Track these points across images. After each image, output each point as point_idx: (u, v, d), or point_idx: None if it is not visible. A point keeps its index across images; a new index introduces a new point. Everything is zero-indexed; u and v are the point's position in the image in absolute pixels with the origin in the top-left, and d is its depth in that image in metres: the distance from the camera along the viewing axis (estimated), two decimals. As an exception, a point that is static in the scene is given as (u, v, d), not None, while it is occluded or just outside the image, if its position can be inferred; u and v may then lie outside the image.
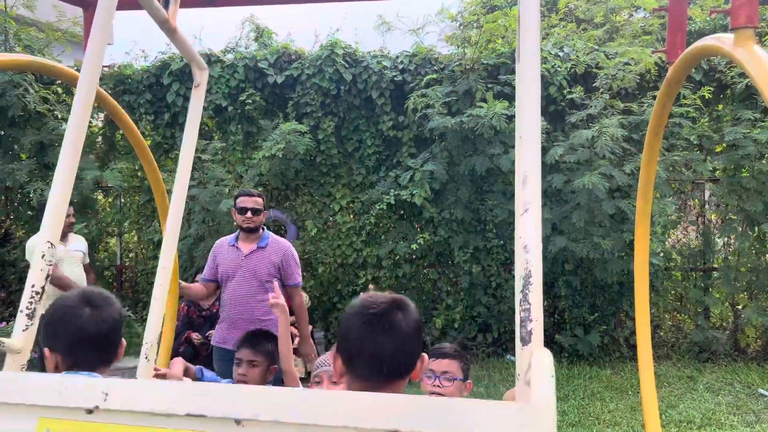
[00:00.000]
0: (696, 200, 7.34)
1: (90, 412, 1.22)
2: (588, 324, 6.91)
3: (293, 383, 2.89)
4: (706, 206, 7.34)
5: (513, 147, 1.68)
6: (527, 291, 1.51)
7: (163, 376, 2.76)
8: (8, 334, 1.91)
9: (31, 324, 1.86)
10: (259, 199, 4.19)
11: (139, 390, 1.22)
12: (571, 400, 5.64)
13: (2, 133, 7.24)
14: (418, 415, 1.13)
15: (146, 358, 2.65)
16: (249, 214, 4.04)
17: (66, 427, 1.22)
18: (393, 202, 6.94)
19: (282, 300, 2.96)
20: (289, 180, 7.39)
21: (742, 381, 6.16)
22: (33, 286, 1.87)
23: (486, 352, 7.08)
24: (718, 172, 6.90)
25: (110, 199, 8.02)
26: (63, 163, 2.05)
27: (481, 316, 7.13)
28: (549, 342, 7.09)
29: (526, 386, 1.40)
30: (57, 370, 1.75)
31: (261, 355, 2.95)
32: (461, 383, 2.63)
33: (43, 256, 1.92)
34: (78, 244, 5.62)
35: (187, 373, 3.00)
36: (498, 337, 7.18)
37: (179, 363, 3.02)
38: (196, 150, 7.24)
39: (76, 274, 5.50)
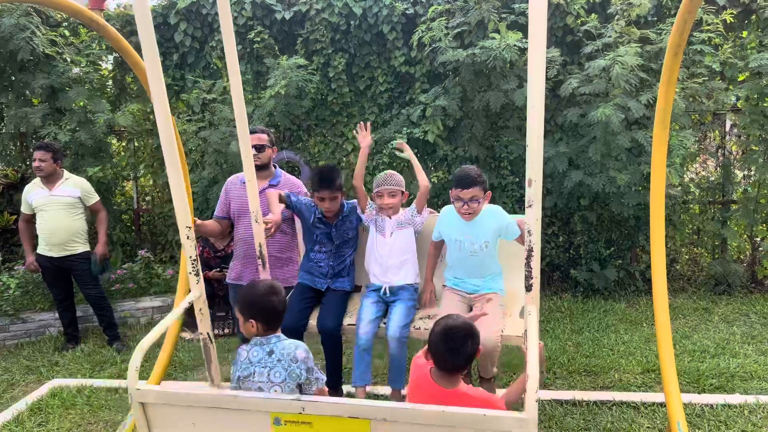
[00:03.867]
0: (716, 131, 7.16)
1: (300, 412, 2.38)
2: (604, 259, 6.90)
3: (363, 199, 3.85)
4: (727, 137, 7.16)
5: (527, 81, 1.85)
6: (530, 260, 2.44)
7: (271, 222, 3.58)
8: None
9: (198, 279, 3.00)
10: (264, 136, 4.14)
11: (320, 404, 2.36)
12: (585, 333, 5.69)
13: (13, 78, 7.22)
14: (468, 420, 2.20)
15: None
16: (253, 151, 4.00)
17: (287, 415, 2.40)
18: (406, 140, 6.86)
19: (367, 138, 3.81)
20: (300, 120, 7.32)
21: (757, 312, 6.16)
22: (191, 257, 2.96)
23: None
24: (740, 102, 6.70)
25: (123, 143, 8.04)
26: (169, 160, 2.70)
27: (496, 253, 7.14)
28: (565, 277, 7.12)
29: (519, 318, 2.81)
30: (257, 331, 2.76)
31: (337, 190, 3.74)
32: (484, 201, 3.53)
33: (188, 237, 2.89)
34: (67, 189, 5.48)
35: (280, 200, 3.84)
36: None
37: (274, 201, 3.75)
38: (203, 89, 7.23)
39: (59, 219, 5.40)
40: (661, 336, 3.44)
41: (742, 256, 7.25)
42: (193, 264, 3.01)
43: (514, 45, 6.13)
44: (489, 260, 3.70)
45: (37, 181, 5.50)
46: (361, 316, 3.63)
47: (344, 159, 7.43)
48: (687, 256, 7.41)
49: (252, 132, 4.10)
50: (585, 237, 6.95)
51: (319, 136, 7.49)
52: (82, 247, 5.58)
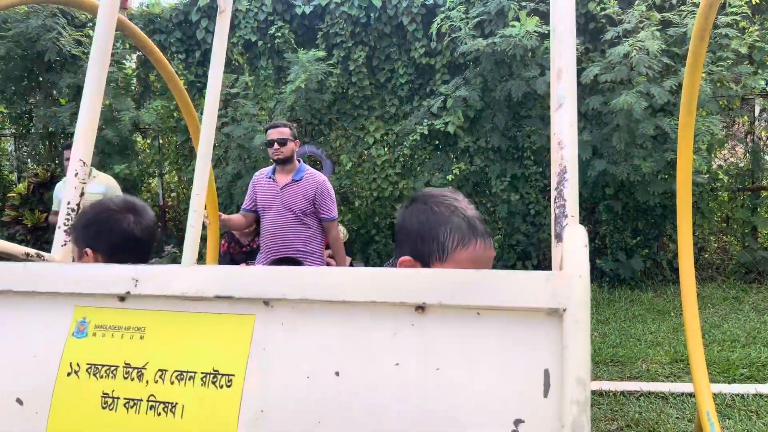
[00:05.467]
0: (745, 117, 7.01)
1: (122, 299, 1.24)
2: (630, 248, 6.82)
3: None
4: (756, 123, 7.01)
5: (549, 68, 1.57)
6: (562, 187, 1.38)
7: None
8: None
9: (69, 239, 1.93)
10: (285, 129, 4.15)
11: (168, 275, 1.21)
12: (612, 323, 5.64)
13: (41, 78, 7.37)
14: (443, 289, 1.09)
15: None
16: (276, 145, 4.05)
17: (100, 314, 1.24)
18: (427, 132, 6.84)
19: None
20: (321, 114, 7.34)
21: (790, 300, 6.04)
22: (69, 203, 1.92)
23: (525, 279, 7.08)
24: (769, 85, 6.55)
25: (148, 140, 8.16)
26: (90, 81, 2.00)
27: (521, 244, 7.11)
28: (590, 267, 7.03)
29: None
30: None
31: None
32: None
33: (76, 174, 1.93)
34: (94, 186, 5.35)
35: None
36: (538, 265, 7.17)
37: None
38: (225, 85, 7.31)
39: None
40: (689, 325, 3.39)
41: (773, 244, 7.11)
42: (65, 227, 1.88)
43: (534, 31, 6.06)
44: None
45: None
46: None
47: (365, 152, 7.44)
48: (716, 245, 7.29)
49: (274, 126, 4.14)
50: (610, 226, 6.87)
51: (341, 129, 7.51)
52: None
